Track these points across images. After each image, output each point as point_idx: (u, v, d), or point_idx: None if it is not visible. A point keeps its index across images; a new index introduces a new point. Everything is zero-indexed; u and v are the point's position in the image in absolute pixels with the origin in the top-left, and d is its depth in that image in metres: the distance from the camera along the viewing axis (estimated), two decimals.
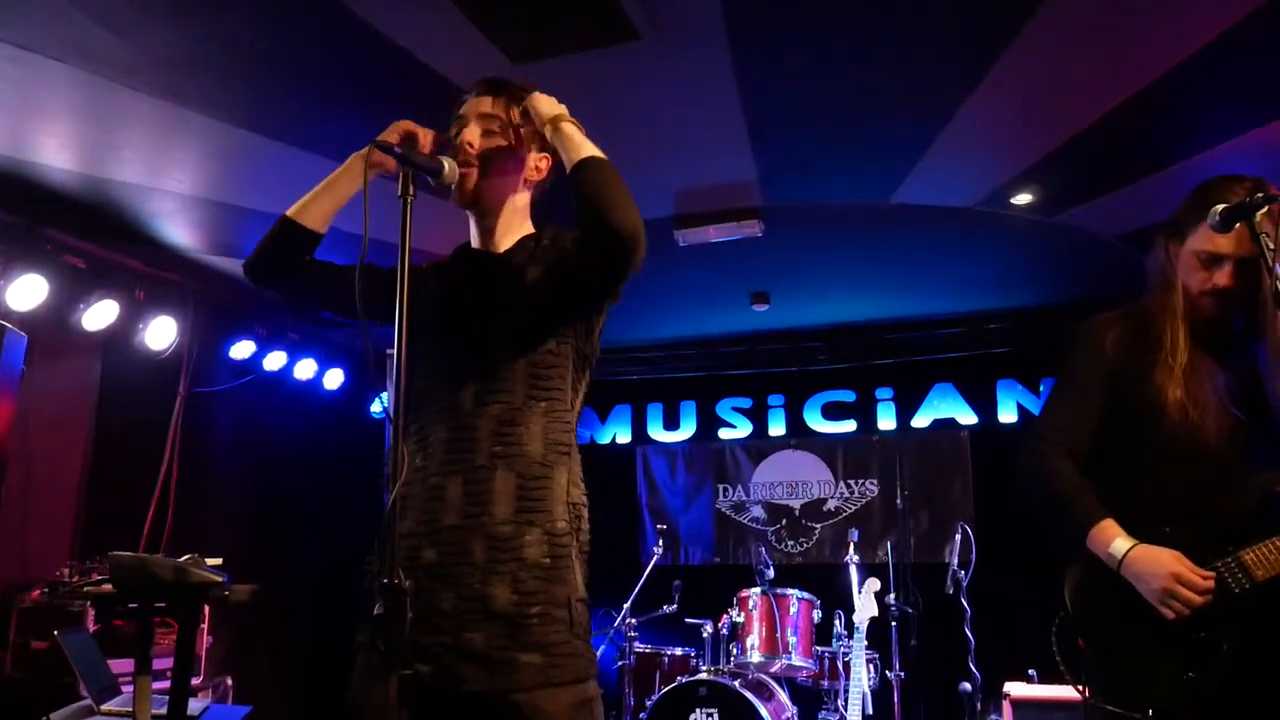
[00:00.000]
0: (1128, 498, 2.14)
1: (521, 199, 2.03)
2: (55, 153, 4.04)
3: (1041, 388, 6.63)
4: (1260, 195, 1.87)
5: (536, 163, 2.02)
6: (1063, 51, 3.41)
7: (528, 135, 1.98)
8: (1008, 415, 6.80)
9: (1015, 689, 4.20)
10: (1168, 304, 2.18)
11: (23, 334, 4.07)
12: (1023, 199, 4.62)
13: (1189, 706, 2.00)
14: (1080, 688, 2.14)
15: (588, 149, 1.84)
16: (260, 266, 1.98)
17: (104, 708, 3.69)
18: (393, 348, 1.56)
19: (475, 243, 2.02)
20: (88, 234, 4.92)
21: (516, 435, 1.80)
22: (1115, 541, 2.07)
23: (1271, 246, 1.85)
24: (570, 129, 1.87)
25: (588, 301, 1.94)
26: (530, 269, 1.92)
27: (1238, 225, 1.94)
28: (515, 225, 2.01)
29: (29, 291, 4.47)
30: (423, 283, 1.96)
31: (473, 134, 1.93)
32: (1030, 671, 4.43)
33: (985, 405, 6.87)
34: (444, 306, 1.94)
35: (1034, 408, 6.69)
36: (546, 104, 1.91)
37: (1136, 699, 2.03)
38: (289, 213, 1.94)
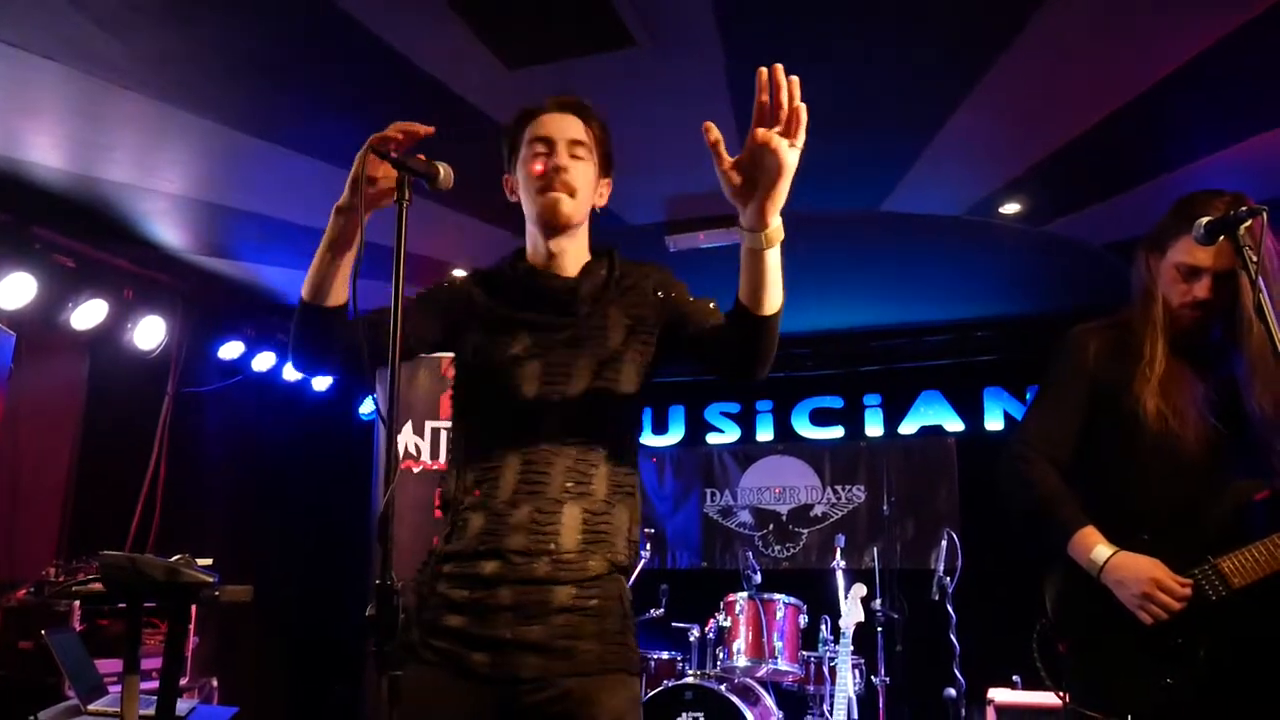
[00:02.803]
0: (1107, 506, 2.17)
1: (587, 221, 2.02)
2: (45, 151, 4.03)
3: (1028, 396, 6.66)
4: (1244, 209, 1.90)
5: (603, 189, 2.02)
6: (1052, 63, 3.45)
7: (603, 161, 1.99)
8: (994, 423, 6.84)
9: (999, 695, 4.23)
10: (1148, 315, 2.21)
11: (11, 332, 4.07)
12: (1011, 208, 4.66)
13: (1167, 712, 2.03)
14: (1061, 693, 2.17)
15: (781, 293, 1.74)
16: (303, 360, 1.88)
17: (91, 707, 3.68)
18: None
19: (539, 261, 1.96)
20: (77, 233, 4.90)
21: (588, 475, 1.83)
22: (1096, 549, 2.10)
23: (1254, 259, 1.87)
24: (778, 259, 1.71)
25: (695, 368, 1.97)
26: (615, 313, 1.91)
27: (1219, 239, 1.97)
28: (580, 247, 2.00)
29: (17, 290, 4.45)
30: (470, 301, 1.91)
31: (564, 157, 1.91)
32: (1014, 677, 4.45)
33: (972, 413, 6.91)
34: (508, 331, 1.88)
35: (1020, 415, 6.71)
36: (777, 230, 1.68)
37: (1116, 704, 2.05)
38: (304, 295, 1.78)
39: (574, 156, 1.92)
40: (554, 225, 1.91)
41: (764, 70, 1.52)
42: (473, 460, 1.85)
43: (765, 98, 1.53)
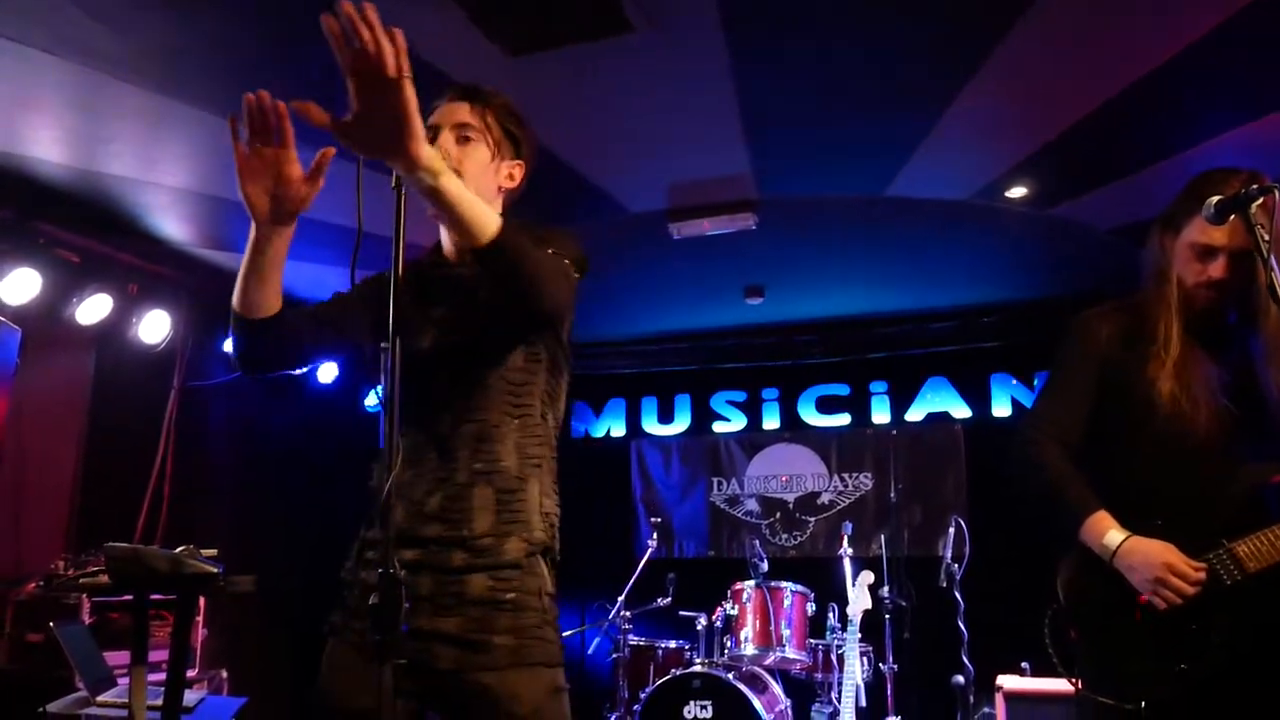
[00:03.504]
0: (1120, 489, 2.15)
1: (495, 208, 1.94)
2: (47, 146, 4.03)
3: (1035, 381, 6.64)
4: (1255, 187, 1.87)
5: (510, 170, 1.98)
6: (1057, 45, 3.42)
7: (502, 143, 1.95)
8: (1001, 409, 6.81)
9: (1008, 681, 4.21)
10: (1162, 296, 2.18)
11: (16, 328, 4.07)
12: (1017, 192, 4.63)
13: (1181, 697, 2.01)
14: (1073, 679, 2.15)
15: (491, 218, 1.61)
16: (248, 368, 1.89)
17: (100, 699, 3.69)
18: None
19: (451, 251, 1.98)
20: (81, 228, 4.90)
21: (495, 453, 1.83)
22: (1108, 534, 2.08)
23: (1266, 238, 1.85)
24: (458, 189, 1.58)
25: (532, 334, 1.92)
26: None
27: (1232, 218, 1.94)
28: None
29: (22, 285, 4.46)
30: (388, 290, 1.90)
31: (448, 142, 1.88)
32: (1023, 664, 4.43)
33: (979, 399, 6.89)
34: (416, 324, 1.90)
35: (1028, 401, 6.70)
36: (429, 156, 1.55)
37: (1129, 690, 2.04)
38: (235, 306, 1.80)
39: (461, 140, 1.90)
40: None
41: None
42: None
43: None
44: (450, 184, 1.55)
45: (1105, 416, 2.22)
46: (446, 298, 1.92)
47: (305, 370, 1.92)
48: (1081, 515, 2.13)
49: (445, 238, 1.99)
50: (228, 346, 1.90)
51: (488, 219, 1.60)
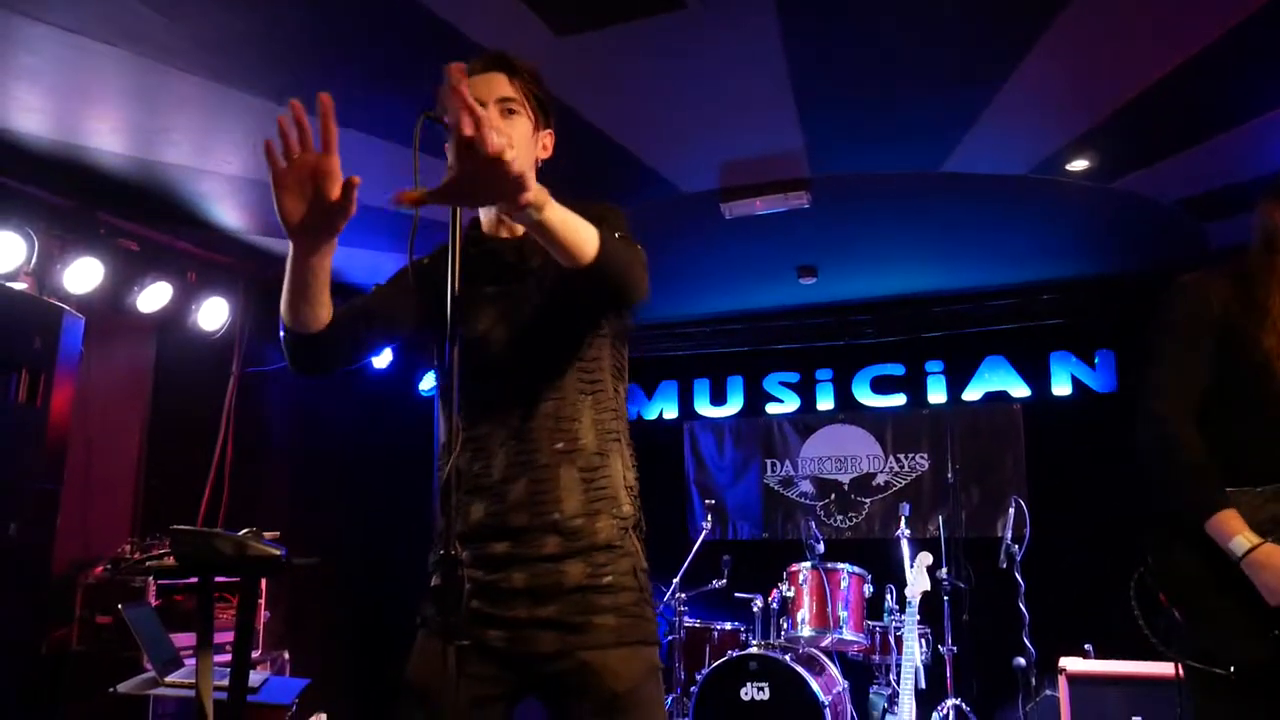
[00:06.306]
0: (1234, 455, 2.14)
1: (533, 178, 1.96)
2: (106, 136, 4.09)
3: (1096, 359, 6.49)
4: None
5: (545, 140, 1.97)
6: (1120, 11, 3.31)
7: (538, 113, 1.93)
8: (1061, 388, 6.68)
9: (1071, 664, 4.14)
10: (1272, 266, 2.16)
11: (80, 316, 4.15)
12: (1079, 165, 4.51)
13: (1273, 664, 2.00)
14: (1160, 643, 2.15)
15: (590, 235, 1.61)
16: (302, 373, 1.91)
17: (167, 680, 3.77)
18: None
19: (488, 227, 1.95)
20: (140, 217, 4.98)
21: (574, 431, 1.82)
22: (1236, 538, 2.05)
23: None
24: (561, 216, 1.55)
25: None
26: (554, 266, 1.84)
27: None
28: None
29: (85, 274, 4.55)
30: (438, 274, 1.79)
31: (497, 119, 1.84)
32: (1086, 646, 4.36)
33: (1038, 378, 6.76)
34: (472, 306, 1.87)
35: (1089, 379, 6.56)
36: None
37: (1220, 655, 2.04)
38: (285, 322, 1.81)
39: (505, 114, 1.87)
40: None
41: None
42: (461, 441, 1.83)
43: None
44: (554, 214, 1.53)
45: (1219, 382, 2.19)
46: (497, 275, 1.90)
47: (358, 365, 1.91)
48: (1210, 509, 2.09)
49: (484, 214, 1.96)
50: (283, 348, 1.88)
51: (589, 237, 1.59)
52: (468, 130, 1.33)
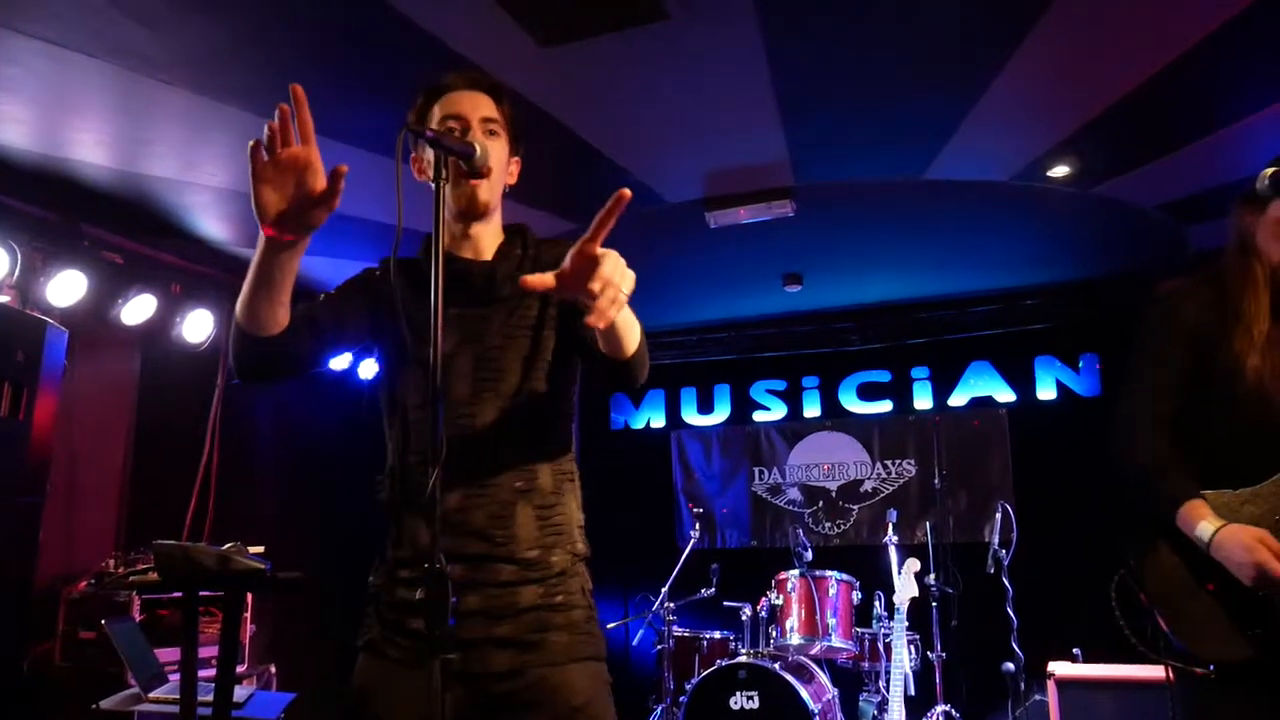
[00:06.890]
0: (1206, 461, 2.15)
1: (499, 202, 1.93)
2: (90, 149, 4.07)
3: (1081, 364, 6.53)
4: None
5: (514, 167, 1.96)
6: (1099, 18, 3.34)
7: (514, 139, 1.93)
8: (1046, 392, 6.71)
9: (1059, 668, 4.14)
10: (1247, 272, 2.18)
11: (63, 329, 4.12)
12: (1060, 171, 4.54)
13: (1253, 662, 2.00)
14: (1140, 643, 2.16)
15: (636, 329, 1.68)
16: (246, 378, 1.79)
17: (151, 695, 3.75)
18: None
19: (455, 247, 1.89)
20: (124, 230, 4.96)
21: (533, 471, 1.82)
22: (1200, 525, 2.06)
23: None
24: (628, 313, 1.62)
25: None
26: (534, 295, 1.79)
27: None
28: (494, 228, 1.94)
29: (68, 287, 4.52)
30: (393, 295, 1.77)
31: (480, 137, 1.82)
32: (1075, 650, 4.37)
33: (1023, 383, 6.79)
34: (447, 328, 1.77)
35: (1073, 384, 6.60)
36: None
37: (1199, 653, 2.05)
38: (240, 321, 1.69)
39: (488, 134, 1.86)
40: (474, 212, 1.85)
41: None
42: (408, 463, 1.81)
43: None
44: (623, 315, 1.59)
45: (1192, 389, 2.21)
46: (463, 297, 1.83)
47: (298, 376, 1.84)
48: (1178, 501, 2.11)
49: (457, 238, 1.90)
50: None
51: (636, 337, 1.66)
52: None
